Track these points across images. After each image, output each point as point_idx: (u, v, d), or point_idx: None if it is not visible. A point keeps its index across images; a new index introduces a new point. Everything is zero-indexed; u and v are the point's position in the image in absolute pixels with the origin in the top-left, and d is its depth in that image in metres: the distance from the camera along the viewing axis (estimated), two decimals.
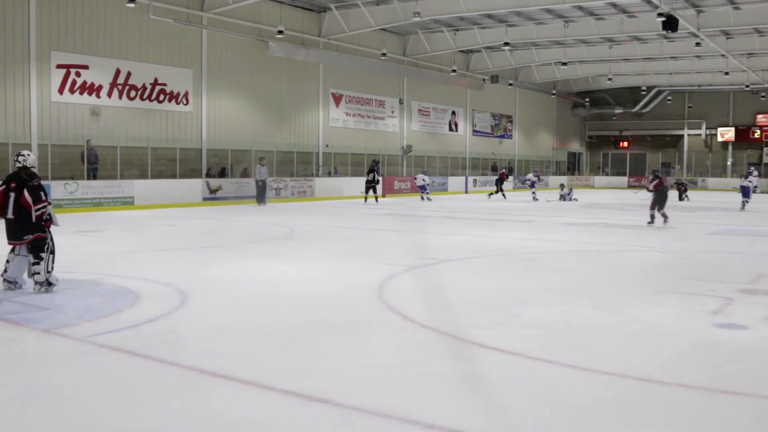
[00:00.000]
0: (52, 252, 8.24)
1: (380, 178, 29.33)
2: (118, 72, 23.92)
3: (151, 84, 24.86)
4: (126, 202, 22.44)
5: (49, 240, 8.22)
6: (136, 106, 24.53)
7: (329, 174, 31.96)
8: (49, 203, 8.33)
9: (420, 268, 10.47)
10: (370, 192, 27.73)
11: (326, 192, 29.89)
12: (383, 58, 32.84)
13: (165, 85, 25.32)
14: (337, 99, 32.97)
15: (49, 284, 8.14)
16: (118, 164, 23.21)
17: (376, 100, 35.34)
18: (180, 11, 25.40)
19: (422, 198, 30.41)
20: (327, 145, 32.14)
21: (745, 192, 25.16)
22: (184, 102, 26.01)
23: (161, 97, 25.24)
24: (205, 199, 24.87)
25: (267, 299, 8.13)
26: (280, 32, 27.06)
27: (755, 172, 35.43)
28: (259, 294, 8.41)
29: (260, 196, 25.36)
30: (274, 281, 9.32)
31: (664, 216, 17.95)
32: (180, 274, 9.61)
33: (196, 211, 22.13)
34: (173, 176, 24.92)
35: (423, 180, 30.67)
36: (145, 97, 24.73)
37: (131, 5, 22.73)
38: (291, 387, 4.92)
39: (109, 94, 23.72)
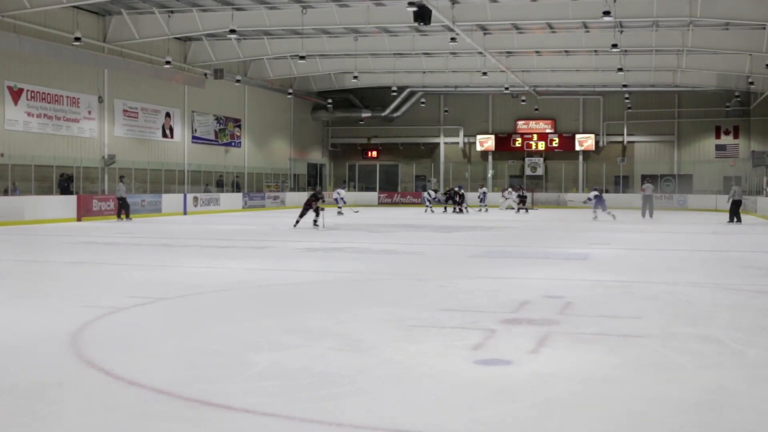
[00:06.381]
0: None
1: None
2: None
3: None
4: None
5: None
6: None
7: (6, 192, 30.30)
8: None
9: (128, 310, 10.19)
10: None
11: (1, 215, 28.25)
12: (77, 43, 31.73)
13: None
14: (16, 94, 31.34)
15: None
16: None
17: (68, 97, 34.00)
18: None
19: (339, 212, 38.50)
20: (2, 155, 30.46)
21: None
22: None
23: None
24: None
25: None
26: None
27: (484, 189, 48.35)
28: None
29: (122, 211, 31.73)
30: None
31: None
32: None
33: None
34: None
35: (338, 194, 40.84)
36: None
37: None
38: None
39: None
